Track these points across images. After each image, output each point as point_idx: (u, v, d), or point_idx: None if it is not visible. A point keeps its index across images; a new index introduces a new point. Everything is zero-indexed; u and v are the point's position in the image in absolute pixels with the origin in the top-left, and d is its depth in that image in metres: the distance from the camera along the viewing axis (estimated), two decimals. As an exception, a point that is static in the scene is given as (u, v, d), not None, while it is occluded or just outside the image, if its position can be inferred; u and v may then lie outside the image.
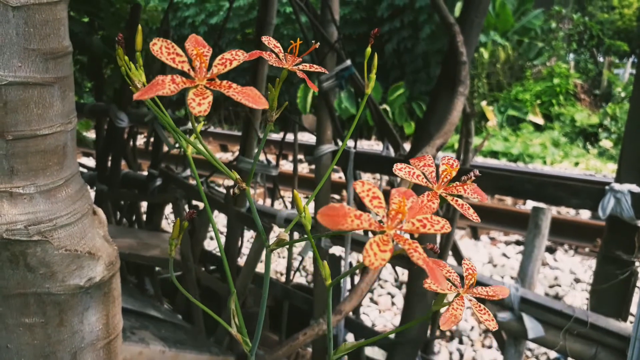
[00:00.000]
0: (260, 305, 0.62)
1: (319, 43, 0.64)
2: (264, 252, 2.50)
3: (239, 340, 0.61)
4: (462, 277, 0.59)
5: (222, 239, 3.47)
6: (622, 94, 11.49)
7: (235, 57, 0.54)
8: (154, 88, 0.47)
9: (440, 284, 0.45)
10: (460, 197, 0.56)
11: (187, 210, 3.24)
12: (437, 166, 0.57)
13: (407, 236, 0.46)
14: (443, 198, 0.55)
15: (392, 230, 0.46)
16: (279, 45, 0.60)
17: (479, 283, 2.21)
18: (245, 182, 0.59)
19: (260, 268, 3.02)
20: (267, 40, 0.59)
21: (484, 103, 11.47)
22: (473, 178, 0.56)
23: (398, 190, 0.50)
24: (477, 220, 0.54)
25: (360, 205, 2.68)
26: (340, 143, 2.63)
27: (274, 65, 0.58)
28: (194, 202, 3.36)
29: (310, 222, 0.54)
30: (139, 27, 0.54)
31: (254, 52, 0.57)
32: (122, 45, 0.53)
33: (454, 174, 0.56)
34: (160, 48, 0.51)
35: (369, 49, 0.59)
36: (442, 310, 0.57)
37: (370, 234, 0.48)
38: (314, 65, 0.62)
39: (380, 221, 0.47)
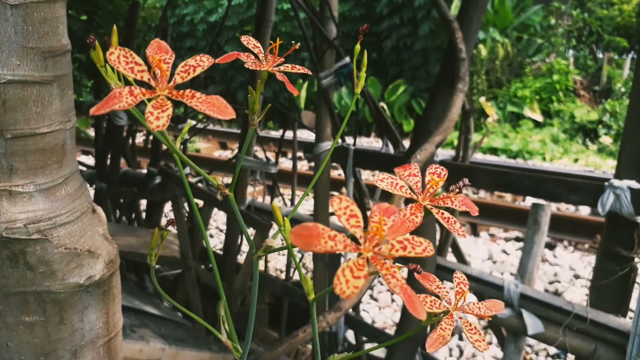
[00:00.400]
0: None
1: (299, 44, 0.61)
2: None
3: (229, 347, 0.59)
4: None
5: (222, 237, 3.47)
6: (622, 90, 11.49)
7: (200, 63, 0.50)
8: (110, 102, 0.44)
9: (418, 314, 0.41)
10: (447, 209, 0.53)
11: (186, 207, 3.24)
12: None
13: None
14: (428, 210, 0.51)
15: (369, 252, 0.42)
16: (259, 45, 0.57)
17: (479, 280, 2.21)
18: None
19: (261, 266, 3.02)
20: (247, 40, 0.56)
21: (482, 99, 11.46)
22: (459, 190, 0.53)
23: (379, 207, 0.46)
24: (463, 236, 0.51)
25: (360, 201, 2.68)
26: (340, 140, 2.63)
27: (250, 67, 0.55)
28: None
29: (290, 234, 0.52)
30: (114, 27, 0.52)
31: (231, 54, 0.54)
32: (97, 47, 0.50)
33: (441, 184, 0.53)
34: (118, 57, 0.47)
35: (358, 46, 0.57)
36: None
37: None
38: (296, 66, 0.59)
39: (357, 242, 0.43)
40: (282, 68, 0.57)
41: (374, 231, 0.43)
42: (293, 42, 0.62)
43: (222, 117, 0.44)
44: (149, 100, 0.46)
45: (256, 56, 0.56)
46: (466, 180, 0.53)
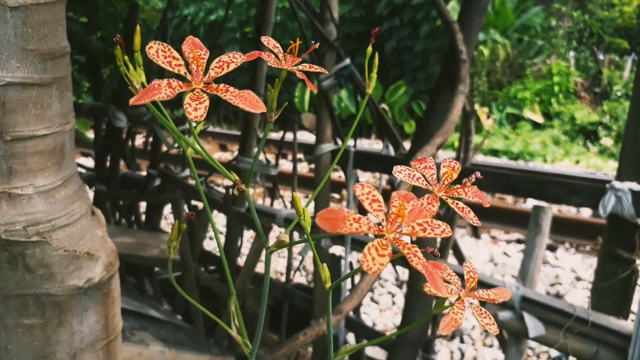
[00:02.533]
0: (260, 305, 0.62)
1: (318, 43, 0.62)
2: (263, 252, 2.50)
3: (239, 342, 0.60)
4: (462, 277, 0.58)
5: (222, 239, 3.47)
6: (619, 93, 11.49)
7: (233, 59, 0.53)
8: (150, 93, 0.46)
9: (439, 290, 0.44)
10: (461, 199, 0.55)
11: (186, 210, 3.24)
12: (439, 166, 0.56)
13: (407, 239, 0.45)
14: (443, 201, 0.54)
15: (392, 234, 0.45)
16: (278, 45, 0.59)
17: (480, 282, 2.20)
18: (244, 182, 0.58)
19: (259, 268, 3.01)
20: (267, 40, 0.58)
21: (476, 106, 11.44)
22: (474, 180, 0.55)
23: (398, 193, 0.50)
24: (478, 224, 0.53)
25: (361, 205, 2.67)
26: (340, 142, 2.62)
27: (273, 66, 0.58)
28: (193, 202, 3.35)
29: (309, 225, 0.54)
30: (137, 27, 0.53)
31: (253, 53, 0.55)
32: (120, 46, 0.53)
33: (455, 176, 0.55)
34: (157, 51, 0.50)
35: (370, 48, 0.58)
36: (445, 311, 0.56)
37: (370, 234, 0.47)
38: (314, 66, 0.61)
39: (380, 224, 0.46)
40: (300, 67, 0.58)
41: (395, 213, 0.46)
42: (313, 42, 0.64)
43: (254, 111, 0.47)
44: (186, 93, 0.48)
45: (276, 56, 0.58)
46: (478, 174, 0.56)
